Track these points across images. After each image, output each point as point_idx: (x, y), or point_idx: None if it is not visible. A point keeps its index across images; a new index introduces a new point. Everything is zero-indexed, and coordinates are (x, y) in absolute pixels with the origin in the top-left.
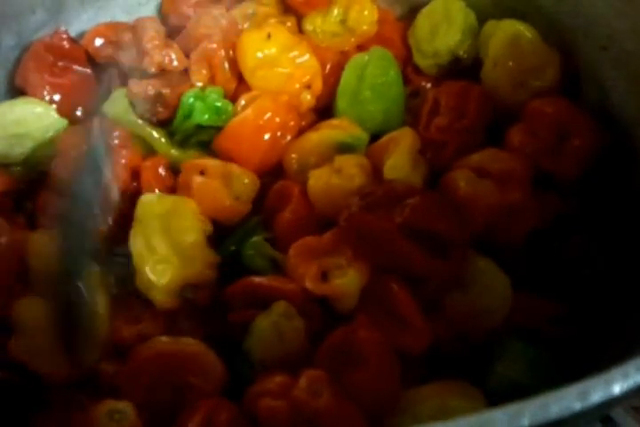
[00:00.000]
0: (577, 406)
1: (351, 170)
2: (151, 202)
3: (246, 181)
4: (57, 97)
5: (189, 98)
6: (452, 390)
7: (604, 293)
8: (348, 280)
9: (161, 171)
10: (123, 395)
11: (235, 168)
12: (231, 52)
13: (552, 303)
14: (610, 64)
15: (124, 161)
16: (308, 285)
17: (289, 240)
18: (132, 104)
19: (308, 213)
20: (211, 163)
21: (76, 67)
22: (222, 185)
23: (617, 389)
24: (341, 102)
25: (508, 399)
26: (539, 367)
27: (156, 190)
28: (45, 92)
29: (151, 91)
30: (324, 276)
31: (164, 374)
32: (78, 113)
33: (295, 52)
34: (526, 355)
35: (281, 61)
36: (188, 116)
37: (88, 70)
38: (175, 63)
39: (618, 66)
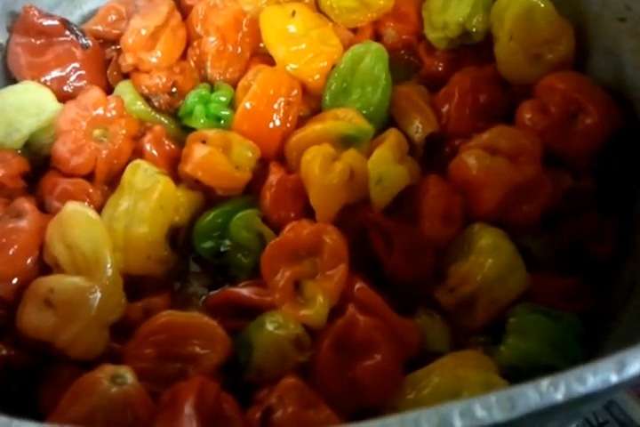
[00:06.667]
0: (613, 378)
1: (340, 167)
2: (136, 169)
3: (246, 150)
4: (46, 77)
5: (194, 97)
6: (465, 361)
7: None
8: (314, 311)
9: (164, 140)
10: (126, 364)
11: (235, 137)
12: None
13: (565, 279)
14: (627, 36)
15: (124, 131)
16: (277, 304)
17: (273, 211)
18: (147, 99)
19: (291, 187)
20: (212, 132)
21: (55, 39)
22: (223, 154)
23: None
24: (330, 94)
25: (520, 371)
26: (550, 340)
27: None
28: (33, 76)
29: (165, 81)
30: (297, 285)
31: (170, 344)
32: (68, 89)
33: (320, 31)
34: (538, 327)
35: (307, 39)
36: (190, 113)
37: (69, 38)
38: (150, 63)
39: (636, 38)
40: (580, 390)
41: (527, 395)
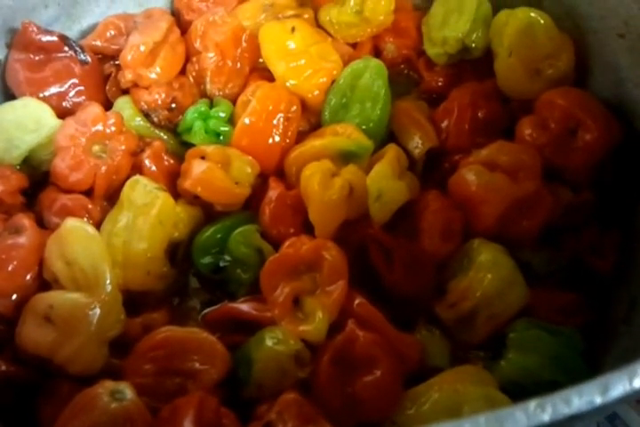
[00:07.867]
0: (597, 400)
1: (340, 183)
2: (135, 185)
3: (246, 165)
4: (45, 93)
5: (193, 113)
6: (465, 376)
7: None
8: (314, 327)
9: (163, 156)
10: (125, 380)
11: (234, 153)
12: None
13: (565, 294)
14: (626, 52)
15: (123, 147)
16: (277, 319)
17: (272, 226)
18: (146, 115)
19: (290, 203)
20: (211, 148)
21: (54, 55)
22: (222, 169)
23: (638, 383)
24: (329, 110)
25: (520, 386)
26: (551, 355)
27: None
28: (32, 92)
29: (164, 97)
30: (296, 301)
31: (170, 360)
32: (67, 104)
33: (319, 47)
34: (538, 342)
35: (306, 55)
36: (189, 129)
37: (68, 53)
38: (149, 79)
39: (635, 54)
40: (565, 411)
41: (515, 416)
